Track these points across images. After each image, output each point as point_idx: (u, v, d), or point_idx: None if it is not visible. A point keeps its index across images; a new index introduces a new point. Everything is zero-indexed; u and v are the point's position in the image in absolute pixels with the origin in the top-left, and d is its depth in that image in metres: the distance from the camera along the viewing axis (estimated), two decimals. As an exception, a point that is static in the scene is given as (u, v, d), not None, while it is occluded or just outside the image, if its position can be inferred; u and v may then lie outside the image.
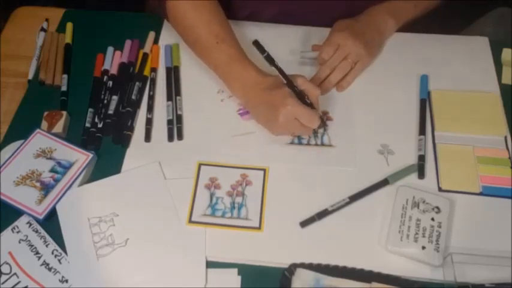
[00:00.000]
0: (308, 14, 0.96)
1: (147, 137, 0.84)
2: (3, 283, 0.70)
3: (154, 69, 0.92)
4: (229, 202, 0.77)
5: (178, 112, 0.86)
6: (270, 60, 0.79)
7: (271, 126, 0.81)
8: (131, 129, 0.84)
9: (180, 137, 0.84)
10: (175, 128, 0.84)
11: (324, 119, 0.84)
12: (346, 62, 0.86)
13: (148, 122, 0.85)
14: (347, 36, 0.85)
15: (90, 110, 0.86)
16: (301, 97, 0.78)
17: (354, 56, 0.86)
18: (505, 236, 0.73)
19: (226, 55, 0.83)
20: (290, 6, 0.96)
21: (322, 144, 0.82)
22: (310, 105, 0.79)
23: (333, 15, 0.90)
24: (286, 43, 0.94)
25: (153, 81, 0.91)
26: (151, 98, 0.88)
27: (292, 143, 0.83)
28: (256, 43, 0.78)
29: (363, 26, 0.89)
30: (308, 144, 0.82)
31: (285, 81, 0.78)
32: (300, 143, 0.83)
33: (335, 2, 0.93)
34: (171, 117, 0.85)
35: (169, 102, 0.87)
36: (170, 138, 0.83)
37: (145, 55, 0.94)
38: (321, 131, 0.84)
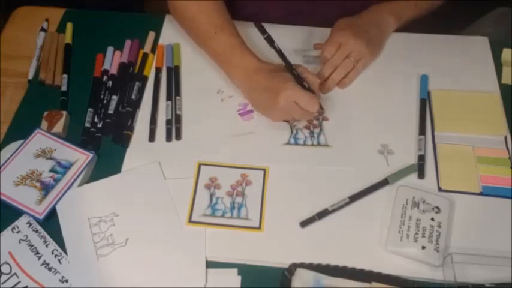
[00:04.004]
0: (313, 13, 0.96)
1: (151, 137, 0.84)
2: (3, 283, 0.70)
3: (159, 69, 0.92)
4: (229, 202, 0.77)
5: (178, 112, 0.86)
6: (270, 41, 0.80)
7: (271, 111, 0.82)
8: (131, 129, 0.84)
9: (178, 137, 0.83)
10: (174, 127, 0.84)
11: (322, 105, 0.85)
12: (348, 60, 0.87)
13: (153, 122, 0.85)
14: (349, 35, 0.86)
15: (90, 110, 0.86)
16: (300, 81, 0.80)
17: (355, 54, 0.86)
18: (505, 236, 0.73)
19: (226, 43, 0.85)
20: (295, 6, 0.97)
21: (319, 144, 0.82)
22: (309, 90, 0.80)
23: (337, 13, 0.90)
24: (289, 43, 0.94)
25: (158, 81, 0.91)
26: (155, 98, 0.88)
27: (288, 143, 0.83)
28: (258, 24, 0.80)
29: (365, 24, 0.89)
30: (304, 144, 0.82)
31: (284, 66, 0.80)
32: (296, 143, 0.83)
33: (338, 1, 0.94)
34: (169, 117, 0.85)
35: (169, 102, 0.87)
36: (168, 138, 0.83)
37: (145, 55, 0.93)
38: (316, 130, 0.84)
